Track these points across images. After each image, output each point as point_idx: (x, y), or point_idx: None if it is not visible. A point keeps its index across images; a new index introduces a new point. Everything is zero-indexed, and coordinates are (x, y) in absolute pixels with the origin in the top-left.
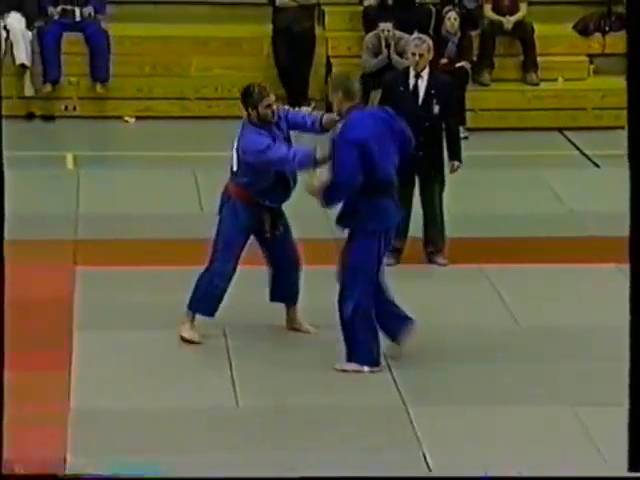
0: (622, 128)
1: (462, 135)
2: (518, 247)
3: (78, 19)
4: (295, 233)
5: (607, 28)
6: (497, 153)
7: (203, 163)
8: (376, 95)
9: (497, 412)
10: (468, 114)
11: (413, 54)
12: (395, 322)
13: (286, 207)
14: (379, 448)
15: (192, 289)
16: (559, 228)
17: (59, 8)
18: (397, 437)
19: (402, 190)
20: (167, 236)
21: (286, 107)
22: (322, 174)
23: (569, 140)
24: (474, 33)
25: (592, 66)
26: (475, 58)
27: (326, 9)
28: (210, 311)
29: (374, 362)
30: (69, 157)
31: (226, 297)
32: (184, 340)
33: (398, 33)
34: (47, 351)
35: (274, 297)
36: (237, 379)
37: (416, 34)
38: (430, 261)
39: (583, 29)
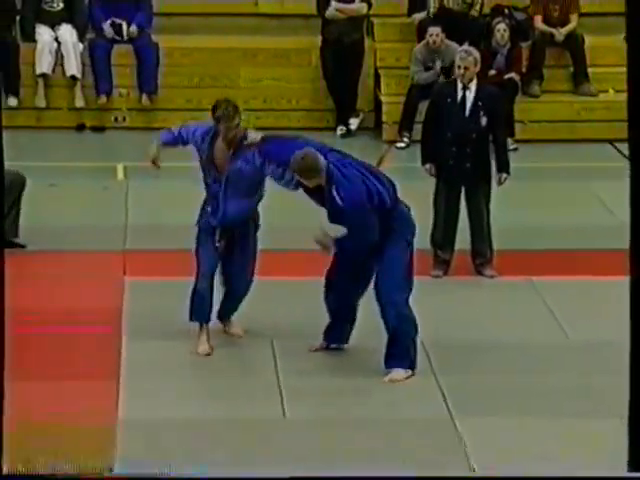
0: None
1: (511, 147)
2: (568, 260)
3: (125, 38)
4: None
5: None
6: (547, 165)
7: None
8: (424, 107)
9: (546, 425)
10: (517, 126)
11: (459, 67)
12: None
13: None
14: (427, 461)
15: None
16: (609, 241)
17: (109, 21)
18: (445, 450)
19: (448, 202)
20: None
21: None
22: (333, 229)
23: (620, 152)
24: (524, 45)
25: None
26: (524, 70)
27: (375, 21)
28: (203, 316)
29: (415, 366)
30: (119, 168)
31: (273, 308)
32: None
33: (448, 41)
34: (96, 361)
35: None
36: (284, 390)
37: (464, 46)
38: (478, 273)
39: None
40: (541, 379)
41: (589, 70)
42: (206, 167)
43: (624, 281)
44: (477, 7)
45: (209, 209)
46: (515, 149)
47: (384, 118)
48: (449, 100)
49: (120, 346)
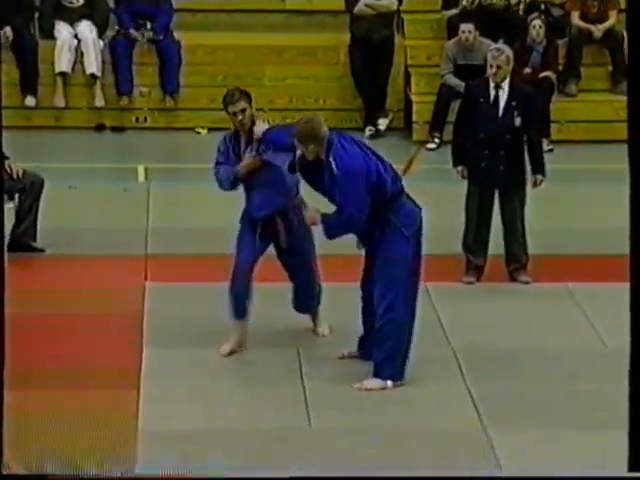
0: None
1: (546, 148)
2: (605, 265)
3: (145, 39)
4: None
5: None
6: (584, 166)
7: None
8: (455, 106)
9: (582, 438)
10: (553, 126)
11: (491, 66)
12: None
13: None
14: (459, 473)
15: None
16: None
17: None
18: (476, 463)
19: (481, 205)
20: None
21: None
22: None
23: None
24: (560, 42)
25: None
26: (561, 68)
27: (406, 17)
28: (235, 312)
29: (401, 377)
30: (140, 170)
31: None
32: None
33: (481, 39)
34: (117, 369)
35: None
36: (309, 399)
37: (497, 44)
38: (512, 279)
39: None
40: (577, 388)
41: None
42: (237, 162)
43: None
44: (520, 5)
45: (246, 203)
46: (551, 150)
47: (414, 118)
48: (481, 100)
49: (141, 353)
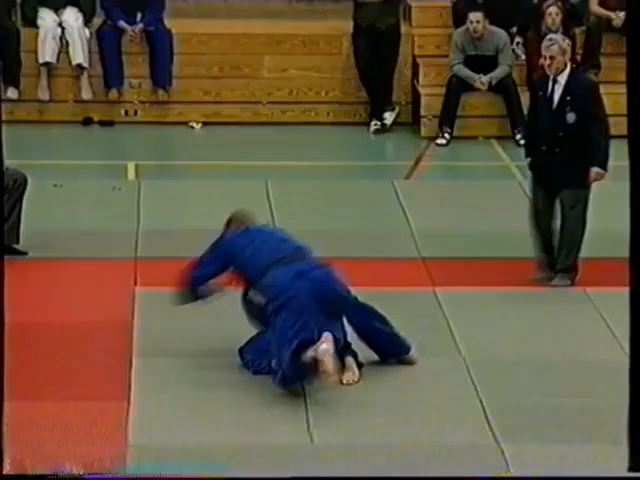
0: None
1: None
2: (621, 268)
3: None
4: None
5: None
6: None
7: (276, 174)
8: (466, 99)
9: (599, 452)
10: None
11: (544, 57)
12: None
13: (370, 226)
14: None
15: None
16: None
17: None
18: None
19: (542, 203)
20: None
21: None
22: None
23: None
24: (578, 30)
25: None
26: (579, 58)
27: (413, 4)
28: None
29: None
30: (130, 167)
31: None
32: None
33: (492, 27)
34: (105, 379)
35: None
36: (311, 415)
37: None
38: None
39: None
40: (595, 401)
41: None
42: None
43: None
44: None
45: None
46: None
47: (423, 112)
48: (540, 93)
49: (130, 363)
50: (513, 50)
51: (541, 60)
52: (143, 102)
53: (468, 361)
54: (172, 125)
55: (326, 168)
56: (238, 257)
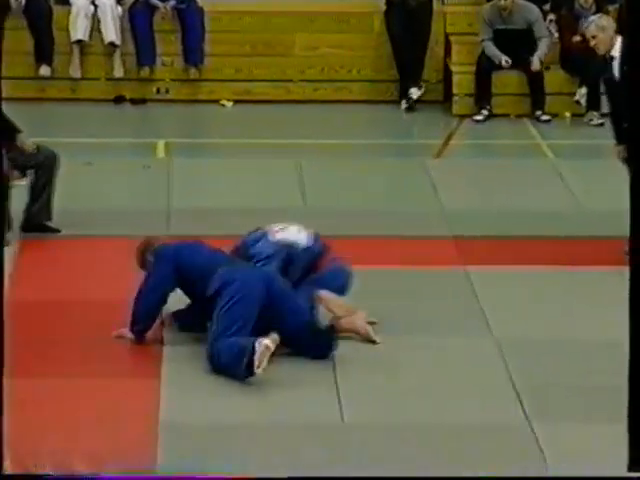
0: None
1: (597, 122)
2: None
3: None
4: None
5: None
6: None
7: (307, 152)
8: (497, 77)
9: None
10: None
11: (588, 40)
12: None
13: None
14: (500, 471)
15: None
16: None
17: None
18: (521, 459)
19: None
20: None
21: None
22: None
23: None
24: (611, 8)
25: None
26: None
27: None
28: None
29: None
30: (160, 145)
31: None
32: None
33: (522, 1)
34: (137, 357)
35: None
36: (342, 393)
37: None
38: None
39: None
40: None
41: None
42: None
43: None
44: None
45: None
46: (601, 124)
47: (454, 90)
48: (608, 76)
49: (162, 341)
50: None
51: (574, 38)
52: (174, 80)
53: (499, 340)
54: (203, 103)
55: (357, 146)
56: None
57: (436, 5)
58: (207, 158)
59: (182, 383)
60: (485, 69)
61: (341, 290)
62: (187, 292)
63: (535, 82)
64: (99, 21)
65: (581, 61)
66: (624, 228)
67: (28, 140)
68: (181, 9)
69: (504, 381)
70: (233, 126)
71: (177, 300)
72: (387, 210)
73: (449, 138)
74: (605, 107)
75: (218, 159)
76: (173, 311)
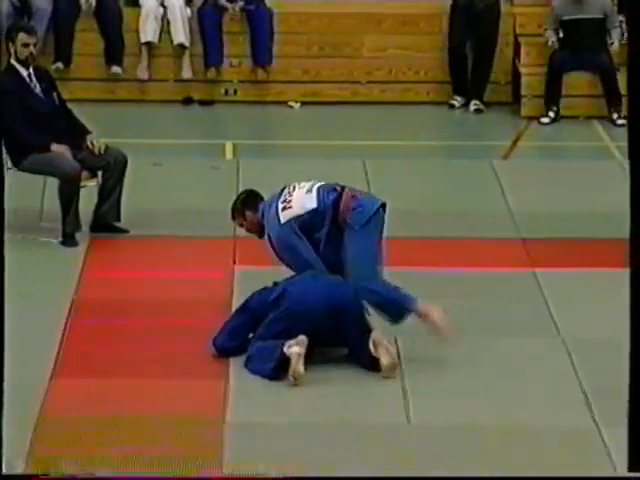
0: None
1: None
2: None
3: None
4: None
5: None
6: None
7: (374, 153)
8: (569, 77)
9: None
10: None
11: None
12: None
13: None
14: (568, 472)
15: None
16: None
17: None
18: (590, 463)
19: None
20: None
21: None
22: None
23: None
24: None
25: None
26: None
27: None
28: None
29: None
30: (228, 146)
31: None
32: None
33: None
34: (204, 358)
35: None
36: (409, 394)
37: None
38: None
39: None
40: None
41: None
42: None
43: None
44: None
45: None
46: None
47: (523, 91)
48: None
49: None
50: (621, 24)
51: None
52: (243, 81)
53: (567, 342)
54: (271, 104)
55: (425, 147)
56: None
57: (506, 7)
58: (275, 159)
59: (249, 384)
60: (556, 69)
61: (368, 222)
62: None
63: (608, 83)
64: (168, 23)
65: None
66: None
67: (98, 141)
68: (250, 10)
69: (572, 383)
70: (300, 127)
71: None
72: (455, 211)
73: (517, 139)
74: None
75: (285, 160)
76: None
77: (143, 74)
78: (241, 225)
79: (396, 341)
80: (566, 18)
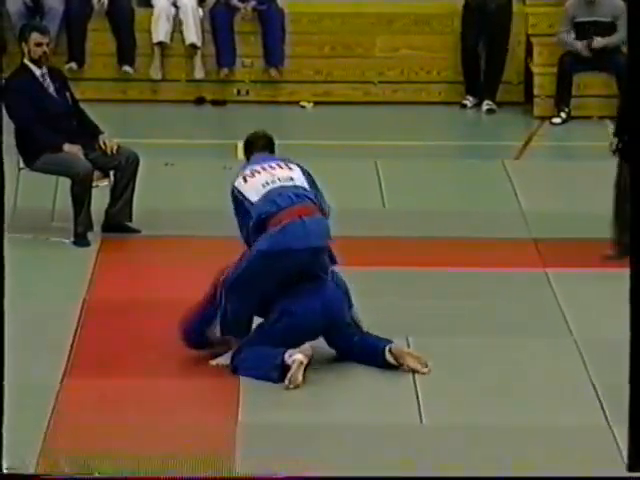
0: None
1: None
2: None
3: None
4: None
5: None
6: None
7: (386, 153)
8: (579, 78)
9: None
10: None
11: None
12: None
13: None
14: (581, 472)
15: None
16: None
17: None
18: (602, 462)
19: None
20: (346, 234)
21: None
22: None
23: None
24: None
25: None
26: None
27: None
28: None
29: None
30: (240, 146)
31: (411, 304)
32: None
33: None
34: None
35: None
36: (421, 394)
37: None
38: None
39: None
40: None
41: None
42: None
43: None
44: None
45: None
46: None
47: (536, 91)
48: None
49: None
50: None
51: None
52: (255, 81)
53: (579, 342)
54: (283, 104)
55: (437, 148)
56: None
57: (517, 7)
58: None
59: (261, 384)
60: (567, 69)
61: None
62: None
63: (622, 81)
64: (180, 23)
65: None
66: None
67: (110, 141)
68: (262, 10)
69: (584, 383)
70: (313, 127)
71: None
72: (466, 212)
73: (529, 139)
74: None
75: (297, 160)
76: None
77: (157, 74)
78: None
79: (407, 341)
80: (579, 20)
